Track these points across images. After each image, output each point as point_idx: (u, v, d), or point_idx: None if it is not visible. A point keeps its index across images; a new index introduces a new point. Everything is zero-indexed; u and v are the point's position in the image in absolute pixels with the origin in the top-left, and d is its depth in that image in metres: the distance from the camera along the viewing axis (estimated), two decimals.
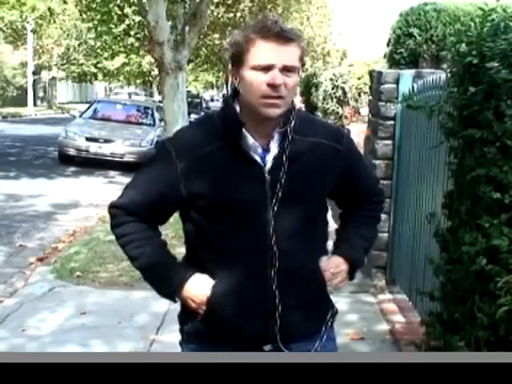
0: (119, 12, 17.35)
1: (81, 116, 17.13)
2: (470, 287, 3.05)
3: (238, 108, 2.15)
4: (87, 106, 19.54)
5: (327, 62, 29.75)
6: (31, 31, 36.49)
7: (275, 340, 2.16)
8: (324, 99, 12.50)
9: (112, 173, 14.82)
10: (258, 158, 2.12)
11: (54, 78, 47.09)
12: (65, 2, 23.46)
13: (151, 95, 49.88)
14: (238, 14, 19.42)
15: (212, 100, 54.96)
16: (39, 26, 35.69)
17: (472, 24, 3.20)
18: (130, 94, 43.67)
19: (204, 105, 33.37)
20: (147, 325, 5.30)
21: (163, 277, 2.25)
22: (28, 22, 33.05)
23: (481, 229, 2.97)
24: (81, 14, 21.00)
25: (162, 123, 16.16)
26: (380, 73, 6.26)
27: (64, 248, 7.78)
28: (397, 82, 6.00)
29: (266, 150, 2.13)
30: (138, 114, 17.21)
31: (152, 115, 17.00)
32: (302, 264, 2.16)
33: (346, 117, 11.23)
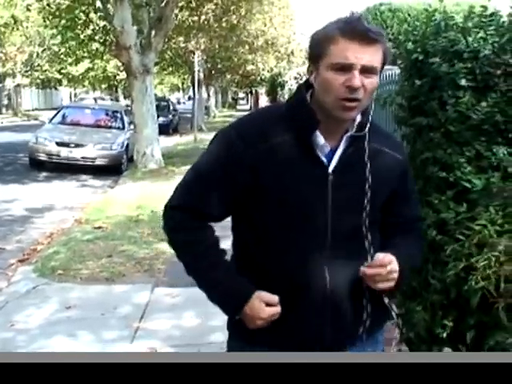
0: (84, 18, 17.57)
1: (50, 122, 17.27)
2: (423, 257, 3.43)
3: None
4: (53, 112, 19.67)
5: (291, 62, 30.18)
6: None
7: (326, 344, 2.07)
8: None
9: (84, 176, 15.04)
10: (324, 159, 2.02)
11: (18, 86, 46.81)
12: (28, 10, 23.55)
13: (117, 99, 49.87)
14: (203, 17, 19.72)
15: (179, 103, 54.96)
16: (2, 34, 35.64)
17: (418, 24, 3.58)
18: (95, 99, 43.58)
19: (171, 107, 33.50)
20: (130, 315, 5.59)
21: (224, 294, 2.10)
22: None
23: (431, 205, 3.35)
24: (44, 21, 21.10)
25: (132, 126, 16.43)
26: None
27: (43, 249, 8.01)
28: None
29: (334, 150, 2.04)
30: (107, 118, 17.42)
31: (121, 119, 17.23)
32: (356, 271, 2.03)
33: None
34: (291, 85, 13.00)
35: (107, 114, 17.70)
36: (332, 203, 2.01)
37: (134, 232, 8.57)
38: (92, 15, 17.46)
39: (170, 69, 34.42)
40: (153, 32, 14.53)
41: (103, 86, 52.61)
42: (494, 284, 2.80)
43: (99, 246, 7.84)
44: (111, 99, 49.58)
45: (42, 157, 15.33)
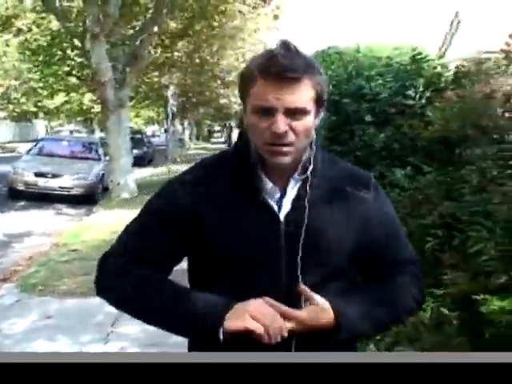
0: (62, 54, 18.42)
1: (28, 153, 18.00)
2: None
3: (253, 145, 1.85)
4: (29, 144, 20.39)
5: None
6: None
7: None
8: None
9: (60, 205, 15.70)
10: (273, 204, 1.83)
11: None
12: (7, 45, 24.34)
13: (92, 132, 50.34)
14: (176, 54, 20.66)
15: (153, 136, 55.71)
16: None
17: (340, 69, 4.47)
18: (71, 132, 44.22)
19: (146, 140, 34.28)
20: (103, 322, 6.33)
21: (200, 309, 1.78)
22: None
23: None
24: (23, 56, 21.93)
25: (107, 157, 17.18)
26: None
27: (24, 269, 8.72)
28: None
29: (283, 194, 1.84)
30: (82, 150, 18.17)
31: (96, 150, 17.99)
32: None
33: None
34: None
35: (83, 146, 18.47)
36: (286, 255, 1.80)
37: None
38: (69, 52, 18.26)
39: (146, 102, 35.30)
40: (128, 69, 15.35)
41: (78, 119, 53.14)
42: None
43: (76, 265, 8.57)
44: (86, 132, 50.11)
45: (20, 186, 16.00)
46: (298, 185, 1.85)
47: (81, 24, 15.86)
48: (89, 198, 16.24)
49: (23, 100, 44.15)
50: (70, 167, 16.52)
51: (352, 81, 4.13)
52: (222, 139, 61.98)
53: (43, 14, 18.20)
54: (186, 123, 45.04)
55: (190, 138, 52.50)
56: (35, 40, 19.62)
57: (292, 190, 1.85)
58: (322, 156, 1.91)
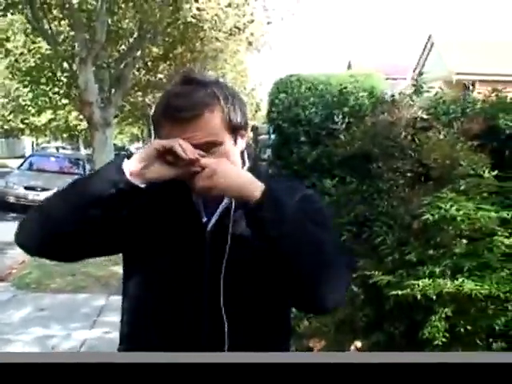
0: (51, 75, 19.45)
1: (18, 168, 19.04)
2: None
3: None
4: (16, 160, 21.32)
5: None
6: None
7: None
8: None
9: None
10: (202, 211, 1.77)
11: None
12: None
13: (78, 149, 51.04)
14: (159, 75, 21.72)
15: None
16: None
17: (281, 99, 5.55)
18: (57, 148, 45.00)
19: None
20: (90, 313, 7.35)
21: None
22: None
23: None
24: (12, 76, 22.86)
25: None
26: (256, 127, 8.66)
27: (17, 271, 9.72)
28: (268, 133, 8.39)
29: (213, 210, 1.76)
30: (70, 165, 19.23)
31: (83, 166, 19.07)
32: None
33: None
34: None
35: (70, 162, 19.56)
36: (210, 268, 1.72)
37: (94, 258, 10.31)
38: (59, 73, 19.27)
39: (130, 120, 36.30)
40: (113, 90, 16.38)
41: (64, 136, 53.95)
42: None
43: (65, 268, 9.54)
44: (72, 148, 50.84)
45: (11, 199, 16.99)
46: (223, 211, 1.75)
47: (69, 48, 16.89)
48: None
49: (11, 117, 45.06)
50: (58, 181, 17.49)
51: (291, 109, 5.26)
52: None
53: (32, 37, 19.20)
54: None
55: None
56: (24, 61, 20.66)
57: (222, 206, 1.75)
58: (262, 173, 1.82)
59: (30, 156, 20.94)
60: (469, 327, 3.67)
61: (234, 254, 1.70)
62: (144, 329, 1.78)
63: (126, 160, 1.68)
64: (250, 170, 1.76)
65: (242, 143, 1.76)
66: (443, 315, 3.66)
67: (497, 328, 3.71)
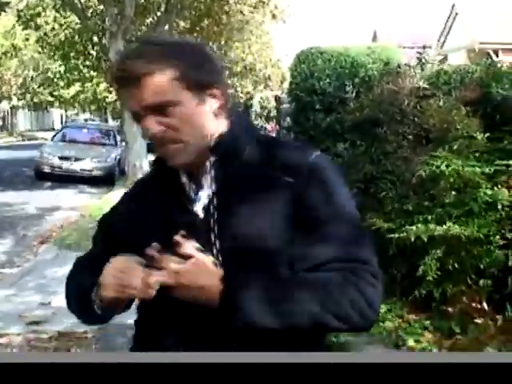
0: (82, 49, 20.15)
1: (52, 139, 19.93)
2: None
3: None
4: (45, 132, 22.18)
5: (268, 86, 32.61)
6: None
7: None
8: (255, 117, 15.43)
9: (82, 186, 17.55)
10: (191, 197, 1.63)
11: (13, 107, 49.18)
12: (27, 40, 26.00)
13: (106, 121, 51.75)
14: None
15: None
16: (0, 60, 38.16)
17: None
18: (86, 120, 45.83)
19: None
20: None
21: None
22: None
23: None
24: (42, 50, 23.54)
25: (123, 143, 18.96)
26: (279, 97, 9.28)
27: (58, 234, 10.50)
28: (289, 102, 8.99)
29: (199, 185, 1.63)
30: (101, 136, 20.07)
31: (114, 137, 19.96)
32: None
33: (268, 130, 14.04)
34: (255, 110, 15.48)
35: (101, 133, 20.43)
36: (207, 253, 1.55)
37: None
38: (88, 47, 19.96)
39: None
40: None
41: (92, 108, 54.72)
42: None
43: None
44: (100, 120, 51.61)
45: (47, 169, 17.85)
46: (215, 174, 1.61)
47: (99, 22, 17.54)
48: (107, 179, 18.05)
49: (40, 90, 45.92)
50: (90, 152, 18.34)
51: (308, 80, 5.90)
52: None
53: (62, 12, 19.84)
54: None
55: None
56: (55, 35, 21.32)
57: (208, 181, 1.62)
58: (261, 137, 1.72)
59: (62, 128, 21.89)
60: (457, 266, 4.30)
61: (225, 241, 1.57)
62: (152, 328, 1.66)
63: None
64: (230, 132, 1.63)
65: (213, 103, 1.60)
66: (435, 256, 4.29)
67: (481, 267, 4.35)
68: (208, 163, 1.61)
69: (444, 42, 28.74)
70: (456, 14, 28.69)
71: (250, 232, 1.56)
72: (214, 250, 1.56)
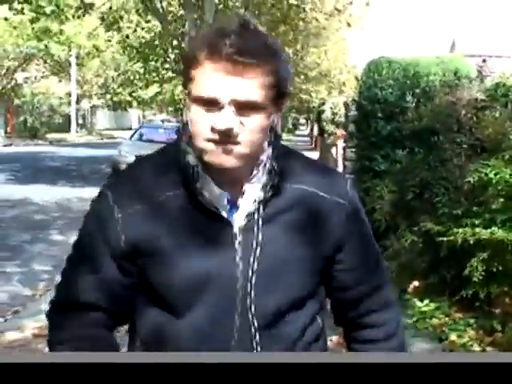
0: (163, 52, 20.95)
1: (130, 138, 20.77)
2: None
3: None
4: (122, 132, 22.99)
5: (343, 92, 32.84)
6: (76, 64, 40.53)
7: None
8: (326, 123, 15.83)
9: None
10: (224, 214, 1.46)
11: (93, 107, 50.88)
12: (109, 41, 26.99)
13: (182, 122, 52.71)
14: None
15: None
16: (82, 60, 39.72)
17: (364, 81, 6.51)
18: (163, 121, 46.80)
19: None
20: None
21: None
22: (71, 56, 37.22)
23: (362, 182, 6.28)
24: (124, 51, 24.47)
25: None
26: (347, 103, 9.62)
27: None
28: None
29: (235, 204, 1.48)
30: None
31: None
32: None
33: (337, 135, 14.36)
34: (327, 115, 15.85)
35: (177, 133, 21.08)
36: (245, 272, 1.46)
37: None
38: (169, 50, 20.72)
39: None
40: None
41: (170, 109, 55.86)
42: None
43: None
44: (177, 121, 52.55)
45: (123, 167, 18.58)
46: (255, 194, 1.47)
47: (179, 26, 18.25)
48: None
49: (120, 90, 47.28)
50: None
51: (371, 89, 6.26)
52: (307, 132, 63.96)
53: (144, 16, 20.68)
54: None
55: None
56: (137, 37, 22.17)
57: (248, 199, 1.48)
58: (285, 150, 1.55)
59: (139, 127, 22.67)
60: (501, 268, 4.58)
61: (264, 253, 1.46)
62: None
63: None
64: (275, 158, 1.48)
65: (277, 117, 1.46)
66: (480, 258, 4.58)
67: None
68: (256, 171, 1.47)
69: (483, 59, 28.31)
70: None
71: (289, 263, 1.48)
72: (250, 271, 1.46)
